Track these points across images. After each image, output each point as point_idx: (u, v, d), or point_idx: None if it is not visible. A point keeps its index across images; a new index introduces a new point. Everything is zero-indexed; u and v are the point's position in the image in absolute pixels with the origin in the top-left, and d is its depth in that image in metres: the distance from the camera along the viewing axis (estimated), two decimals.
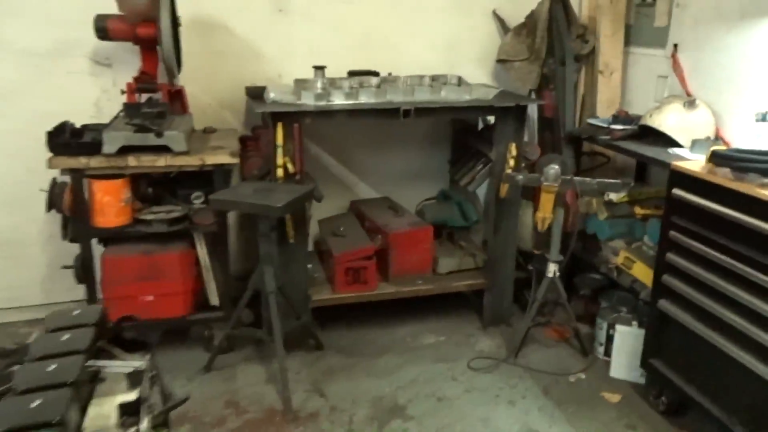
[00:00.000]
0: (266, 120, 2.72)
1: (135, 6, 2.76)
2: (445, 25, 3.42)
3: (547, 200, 2.75)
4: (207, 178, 2.77)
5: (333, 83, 2.97)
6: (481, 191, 3.30)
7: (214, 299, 3.00)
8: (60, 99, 3.06)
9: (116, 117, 2.93)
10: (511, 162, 2.92)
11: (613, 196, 2.89)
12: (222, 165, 2.72)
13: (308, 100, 2.72)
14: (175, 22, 2.85)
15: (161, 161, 2.64)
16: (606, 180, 2.68)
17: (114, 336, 1.51)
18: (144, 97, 3.00)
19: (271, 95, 2.73)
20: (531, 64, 3.29)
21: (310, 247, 3.53)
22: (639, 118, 2.89)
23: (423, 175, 3.63)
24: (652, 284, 2.48)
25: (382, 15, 3.32)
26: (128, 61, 3.04)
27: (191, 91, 3.19)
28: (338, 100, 2.76)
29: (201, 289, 3.01)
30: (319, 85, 2.94)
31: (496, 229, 3.07)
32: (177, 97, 3.05)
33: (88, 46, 3.02)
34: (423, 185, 3.63)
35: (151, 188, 2.93)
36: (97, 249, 2.84)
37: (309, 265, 3.11)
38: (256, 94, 2.88)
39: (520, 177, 2.81)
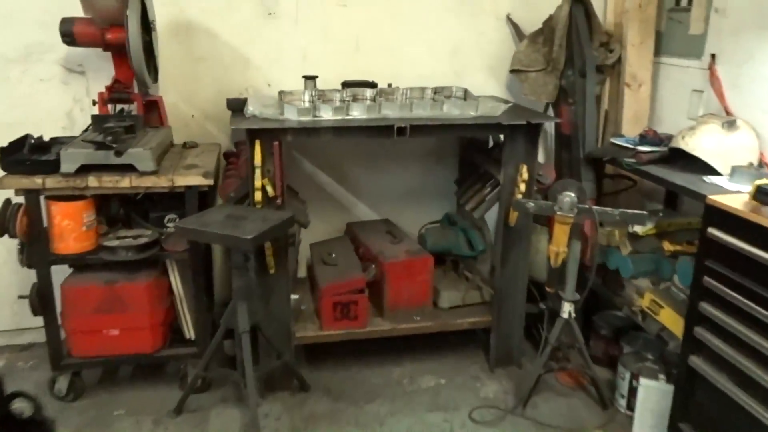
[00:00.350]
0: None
1: (102, 9, 2.49)
2: (450, 29, 3.09)
3: (561, 232, 2.41)
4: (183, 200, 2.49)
5: (322, 96, 2.66)
6: (492, 216, 2.96)
7: (190, 332, 2.71)
8: (29, 109, 2.82)
9: (86, 130, 2.68)
10: (522, 186, 2.58)
11: (638, 229, 2.53)
12: (194, 187, 2.43)
13: (291, 115, 2.42)
14: (147, 26, 2.58)
15: (125, 182, 2.36)
16: (629, 211, 2.33)
17: (4, 415, 1.21)
18: (120, 108, 2.75)
19: (250, 109, 2.44)
20: (548, 75, 2.94)
21: (303, 273, 3.24)
22: (670, 138, 2.52)
23: (427, 195, 3.30)
24: (683, 336, 2.12)
25: (380, 18, 3.01)
26: (103, 68, 2.78)
27: (172, 101, 2.93)
28: (326, 115, 2.46)
29: (175, 320, 2.74)
30: (306, 98, 2.64)
31: (505, 260, 2.73)
32: (153, 108, 2.78)
33: (60, 52, 2.77)
34: (427, 207, 3.30)
35: (122, 209, 2.66)
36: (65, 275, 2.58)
37: (296, 296, 2.81)
38: (237, 106, 2.59)
39: (531, 204, 2.46)
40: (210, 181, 2.43)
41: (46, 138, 2.60)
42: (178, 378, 2.73)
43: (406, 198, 3.29)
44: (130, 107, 2.74)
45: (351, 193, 3.27)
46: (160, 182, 2.39)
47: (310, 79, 2.73)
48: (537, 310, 2.95)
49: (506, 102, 2.79)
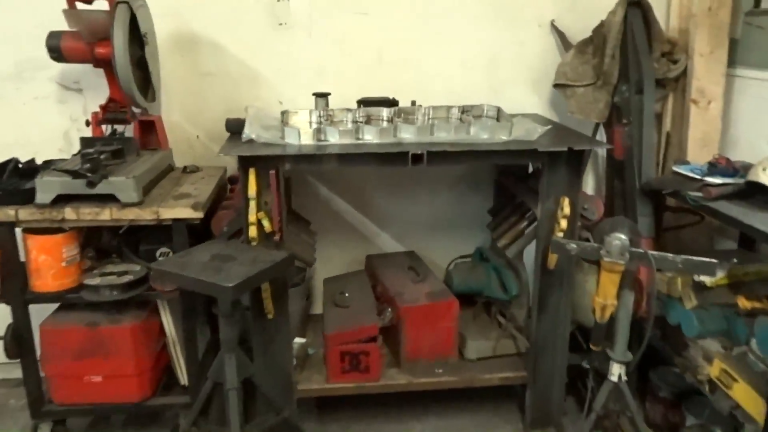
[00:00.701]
0: None
1: (89, 22, 2.26)
2: (485, 39, 2.72)
3: (609, 281, 1.99)
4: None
5: (333, 116, 2.34)
6: (531, 252, 2.56)
7: (184, 379, 2.44)
8: (24, 129, 2.64)
9: (77, 153, 2.45)
10: (563, 223, 2.18)
11: (705, 278, 2.09)
12: (183, 220, 2.15)
13: (292, 139, 2.12)
14: (140, 40, 2.33)
15: (105, 214, 2.10)
16: (695, 258, 1.89)
17: None
18: (113, 129, 2.52)
19: (246, 132, 2.14)
20: (598, 90, 2.53)
21: (319, 309, 2.93)
22: (747, 168, 2.07)
23: (458, 225, 2.93)
24: (764, 423, 1.67)
25: (406, 27, 2.67)
26: (101, 85, 2.55)
27: (175, 120, 2.68)
28: (333, 139, 2.14)
29: (170, 365, 2.47)
30: (313, 118, 2.32)
31: (543, 307, 2.34)
32: (151, 128, 2.53)
33: (54, 69, 2.56)
34: (458, 238, 2.93)
35: (114, 239, 2.42)
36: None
37: (302, 340, 2.50)
38: (238, 128, 2.30)
39: (572, 246, 2.06)
40: (200, 214, 2.14)
41: (40, 161, 2.41)
42: (170, 428, 2.46)
43: (435, 228, 2.93)
44: (126, 128, 2.51)
45: (373, 221, 2.93)
46: (144, 215, 2.12)
47: (321, 96, 2.42)
48: (583, 361, 2.53)
49: (548, 122, 2.41)
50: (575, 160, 2.15)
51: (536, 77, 2.79)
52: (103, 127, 2.51)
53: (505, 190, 2.72)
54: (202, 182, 2.44)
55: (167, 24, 2.56)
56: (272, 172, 2.07)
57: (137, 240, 2.39)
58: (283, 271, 2.06)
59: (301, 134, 2.11)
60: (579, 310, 2.48)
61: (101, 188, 2.07)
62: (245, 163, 2.05)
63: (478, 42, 2.73)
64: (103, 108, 2.47)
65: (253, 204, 2.09)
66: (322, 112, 2.32)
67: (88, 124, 2.49)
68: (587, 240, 2.36)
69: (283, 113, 2.30)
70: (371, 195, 2.89)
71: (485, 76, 2.77)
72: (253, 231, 2.11)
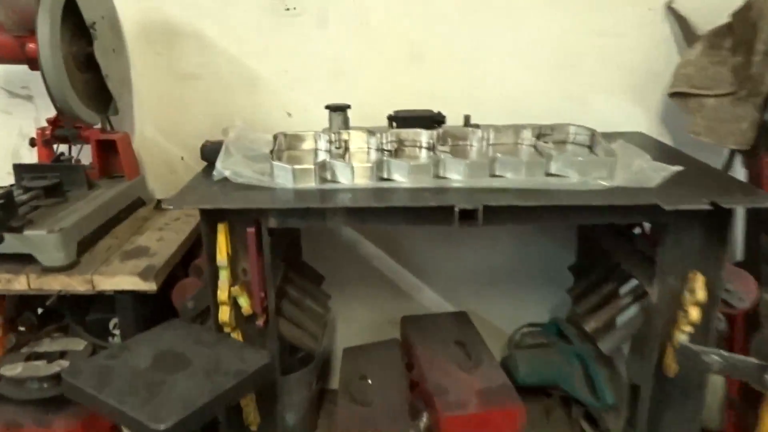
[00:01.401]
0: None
1: (15, 9, 1.63)
2: (565, 27, 1.94)
3: None
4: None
5: (348, 141, 1.64)
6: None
7: None
8: None
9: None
10: (693, 313, 1.41)
11: None
12: (130, 292, 1.51)
13: (284, 180, 1.43)
14: (85, 32, 1.69)
15: (20, 282, 1.48)
16: None
17: None
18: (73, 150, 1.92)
19: (219, 166, 1.47)
20: (740, 103, 1.73)
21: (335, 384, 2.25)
22: None
23: (527, 282, 2.19)
24: None
25: (453, 12, 1.94)
26: None
27: (151, 138, 2.06)
28: (345, 180, 1.44)
29: None
30: (320, 146, 1.63)
31: (656, 424, 1.58)
32: (113, 151, 1.89)
33: None
34: (527, 299, 2.20)
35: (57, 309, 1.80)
36: None
37: None
38: (216, 156, 1.63)
39: (714, 358, 1.30)
40: (152, 285, 1.49)
41: None
42: None
43: (494, 283, 2.20)
44: (78, 149, 1.90)
45: (412, 272, 2.23)
46: (73, 284, 1.49)
47: (336, 110, 1.72)
48: None
49: (661, 150, 1.64)
50: (719, 219, 1.38)
51: (639, 82, 2.00)
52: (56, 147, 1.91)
53: (593, 242, 1.95)
54: (175, 226, 1.79)
55: (136, 10, 1.92)
56: (250, 230, 1.39)
57: (88, 304, 1.77)
58: (258, 383, 1.37)
59: (297, 173, 1.42)
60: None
61: (9, 246, 1.45)
62: (211, 216, 1.38)
63: (554, 32, 1.95)
64: (52, 122, 1.86)
65: (224, 275, 1.42)
66: (333, 135, 1.62)
67: (33, 143, 1.88)
68: (726, 338, 1.58)
69: (276, 138, 1.60)
70: (411, 238, 2.18)
71: (564, 81, 1.99)
72: (224, 313, 1.44)
